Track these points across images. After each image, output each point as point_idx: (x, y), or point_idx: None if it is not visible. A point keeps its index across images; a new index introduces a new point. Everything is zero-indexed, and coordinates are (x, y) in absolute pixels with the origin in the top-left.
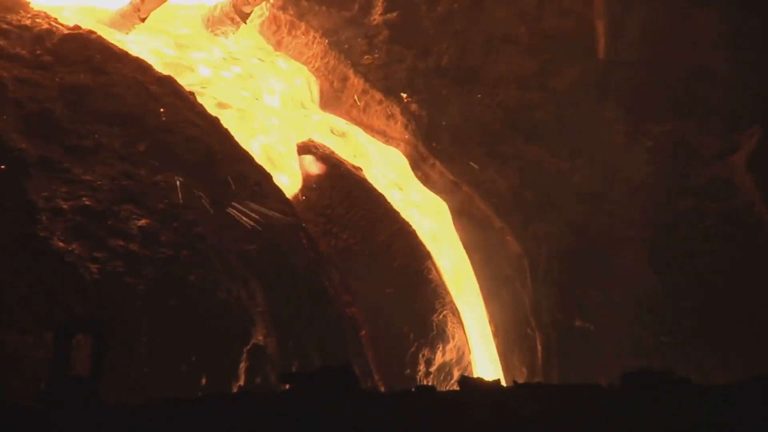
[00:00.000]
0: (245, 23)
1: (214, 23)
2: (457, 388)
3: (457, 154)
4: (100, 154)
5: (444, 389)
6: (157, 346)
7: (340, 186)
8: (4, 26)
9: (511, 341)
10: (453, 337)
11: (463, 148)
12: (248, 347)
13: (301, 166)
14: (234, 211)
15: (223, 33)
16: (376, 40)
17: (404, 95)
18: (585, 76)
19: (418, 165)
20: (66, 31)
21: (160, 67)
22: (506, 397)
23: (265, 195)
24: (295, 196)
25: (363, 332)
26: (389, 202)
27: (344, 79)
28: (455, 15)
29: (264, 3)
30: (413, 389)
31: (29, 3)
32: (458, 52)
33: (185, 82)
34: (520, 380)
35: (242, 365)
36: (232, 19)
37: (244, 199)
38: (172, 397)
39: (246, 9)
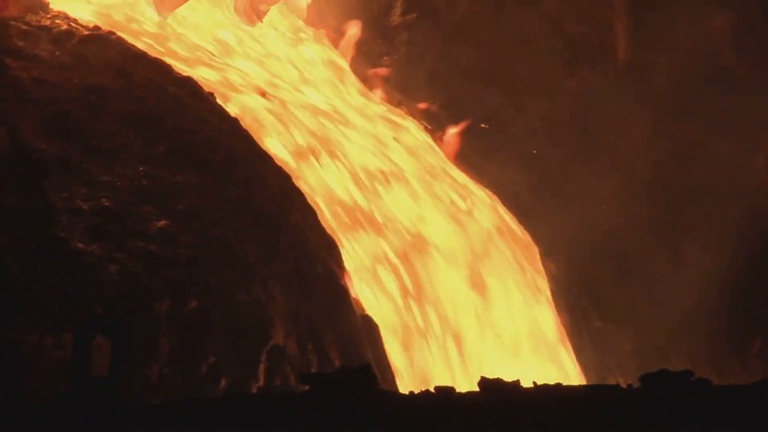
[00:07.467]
0: (261, 21)
1: (238, 13)
2: (477, 389)
3: (476, 155)
4: (119, 155)
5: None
6: (177, 346)
7: None
8: (24, 27)
9: None
10: None
11: (482, 148)
12: (268, 348)
13: None
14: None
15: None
16: (396, 41)
17: (423, 96)
18: (605, 78)
19: None
20: (86, 32)
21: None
22: (525, 397)
23: (285, 196)
24: None
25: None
26: None
27: (364, 80)
28: (475, 16)
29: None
30: (433, 389)
31: (49, 3)
32: (478, 53)
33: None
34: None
35: (262, 366)
36: (249, 17)
37: (263, 201)
38: (192, 397)
39: (262, 7)
